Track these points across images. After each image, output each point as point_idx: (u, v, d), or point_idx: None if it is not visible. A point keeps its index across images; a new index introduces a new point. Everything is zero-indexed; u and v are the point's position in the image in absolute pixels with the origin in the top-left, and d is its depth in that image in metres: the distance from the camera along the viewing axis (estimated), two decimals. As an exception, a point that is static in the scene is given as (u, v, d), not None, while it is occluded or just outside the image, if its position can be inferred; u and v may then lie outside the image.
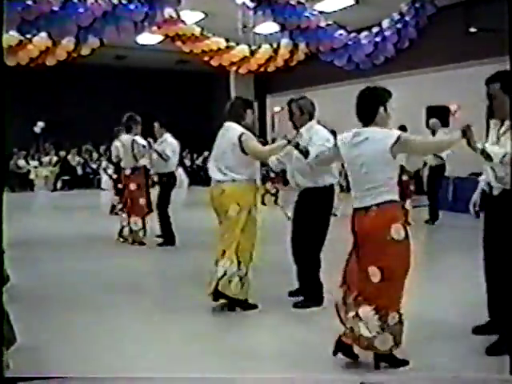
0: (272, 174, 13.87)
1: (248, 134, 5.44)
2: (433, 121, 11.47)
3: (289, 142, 5.20)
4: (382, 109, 3.94)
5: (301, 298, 5.67)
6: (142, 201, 9.28)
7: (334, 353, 4.01)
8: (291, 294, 5.85)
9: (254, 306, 5.51)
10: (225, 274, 5.28)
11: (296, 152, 5.27)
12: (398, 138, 3.83)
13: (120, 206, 10.93)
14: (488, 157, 3.98)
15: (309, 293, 5.61)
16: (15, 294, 3.28)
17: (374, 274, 3.82)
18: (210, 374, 3.91)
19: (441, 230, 10.80)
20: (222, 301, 5.51)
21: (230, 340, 4.82)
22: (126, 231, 9.46)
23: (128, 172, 9.32)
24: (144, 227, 9.41)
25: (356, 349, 3.99)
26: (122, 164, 9.54)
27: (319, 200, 5.51)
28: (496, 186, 4.26)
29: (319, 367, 4.05)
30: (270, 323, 5.21)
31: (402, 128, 12.16)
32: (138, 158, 9.24)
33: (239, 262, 5.31)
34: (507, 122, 4.15)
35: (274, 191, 14.06)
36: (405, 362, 3.97)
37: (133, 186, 9.26)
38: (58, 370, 3.86)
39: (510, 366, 3.53)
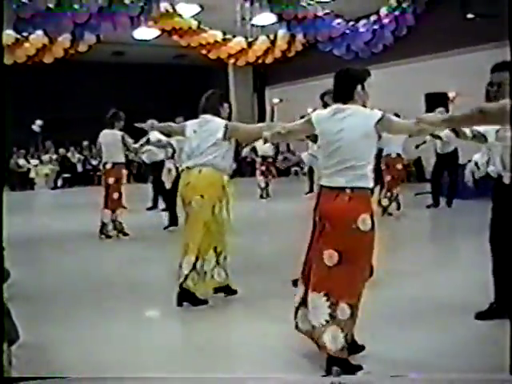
0: (263, 167, 13.81)
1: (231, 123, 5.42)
2: (439, 109, 11.48)
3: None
4: (359, 87, 3.75)
5: None
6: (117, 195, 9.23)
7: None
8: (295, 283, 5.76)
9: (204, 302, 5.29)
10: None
11: None
12: (383, 116, 3.68)
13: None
14: (482, 137, 3.92)
15: None
16: (17, 291, 3.26)
17: (330, 257, 3.57)
18: (210, 372, 3.89)
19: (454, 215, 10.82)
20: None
21: (231, 336, 4.80)
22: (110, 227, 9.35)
23: (108, 166, 9.19)
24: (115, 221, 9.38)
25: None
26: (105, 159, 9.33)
27: None
28: (507, 175, 4.19)
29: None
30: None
31: (396, 116, 12.13)
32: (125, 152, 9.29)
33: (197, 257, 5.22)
34: None
35: (263, 185, 14.09)
36: (359, 368, 3.62)
37: (111, 180, 9.15)
38: (59, 368, 3.84)
39: (510, 365, 3.41)
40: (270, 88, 23.17)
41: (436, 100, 12.76)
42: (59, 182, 21.65)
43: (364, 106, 3.81)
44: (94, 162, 21.95)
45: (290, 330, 3.91)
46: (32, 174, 21.26)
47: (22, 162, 21.46)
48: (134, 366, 4.07)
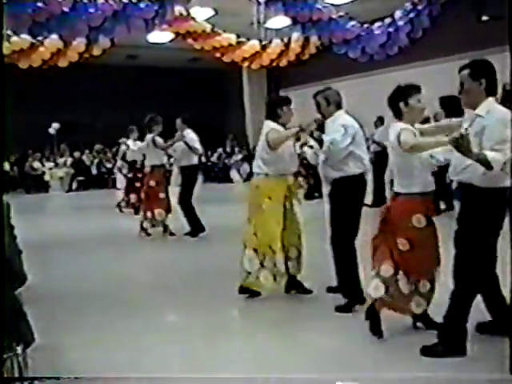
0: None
1: (276, 128, 5.54)
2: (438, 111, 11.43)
3: (302, 129, 5.28)
4: (401, 104, 4.29)
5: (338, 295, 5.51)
6: (162, 195, 9.66)
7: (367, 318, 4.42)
8: (330, 289, 5.75)
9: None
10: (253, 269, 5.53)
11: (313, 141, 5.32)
12: (398, 135, 4.19)
13: (124, 204, 12.70)
14: (487, 164, 3.68)
15: (348, 291, 5.37)
16: (32, 294, 3.27)
17: (402, 244, 4.30)
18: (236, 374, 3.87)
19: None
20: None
21: (253, 339, 4.79)
22: (145, 225, 9.75)
23: (148, 169, 9.74)
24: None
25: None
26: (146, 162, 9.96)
27: (347, 190, 5.31)
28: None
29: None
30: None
31: (380, 118, 12.02)
32: (159, 155, 9.74)
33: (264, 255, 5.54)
34: (477, 117, 3.94)
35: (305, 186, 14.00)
36: (437, 325, 4.26)
37: (152, 182, 9.61)
38: (74, 370, 3.85)
39: (510, 365, 3.49)
40: (284, 91, 23.10)
41: (451, 103, 12.63)
42: (74, 185, 21.74)
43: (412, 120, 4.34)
44: (109, 165, 22.04)
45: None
46: (47, 177, 21.35)
47: (36, 164, 21.57)
48: (147, 367, 4.09)
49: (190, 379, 3.80)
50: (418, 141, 4.23)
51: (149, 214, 9.66)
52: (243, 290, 5.69)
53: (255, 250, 5.55)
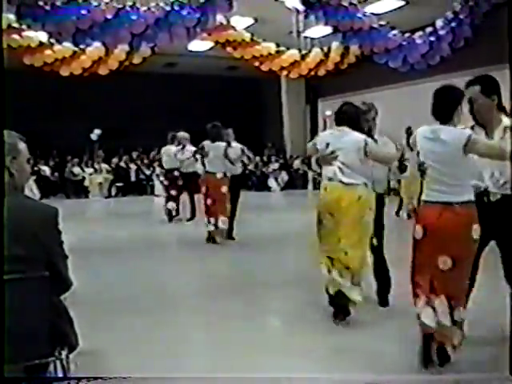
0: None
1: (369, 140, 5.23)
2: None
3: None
4: (460, 108, 3.90)
5: None
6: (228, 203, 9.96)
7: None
8: None
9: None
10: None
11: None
12: (469, 139, 3.79)
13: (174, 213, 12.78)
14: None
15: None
16: (73, 299, 3.28)
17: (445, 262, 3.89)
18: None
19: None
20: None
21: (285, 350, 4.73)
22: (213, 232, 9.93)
23: (220, 176, 9.83)
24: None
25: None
26: (213, 169, 9.91)
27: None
28: (494, 192, 4.15)
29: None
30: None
31: (409, 129, 11.89)
32: (233, 162, 9.97)
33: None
34: (499, 128, 3.98)
35: None
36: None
37: (224, 189, 9.79)
38: (116, 374, 3.84)
39: (510, 365, 3.43)
40: (322, 100, 23.08)
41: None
42: (113, 191, 21.94)
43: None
44: (147, 172, 22.21)
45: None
46: (86, 183, 21.60)
47: (76, 170, 21.84)
48: (185, 369, 4.07)
49: (190, 379, 3.79)
50: (494, 144, 3.99)
51: (212, 221, 9.80)
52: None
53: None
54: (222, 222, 9.75)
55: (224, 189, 9.76)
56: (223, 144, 9.83)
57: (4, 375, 2.66)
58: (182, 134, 12.66)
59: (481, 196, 4.13)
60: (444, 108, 3.91)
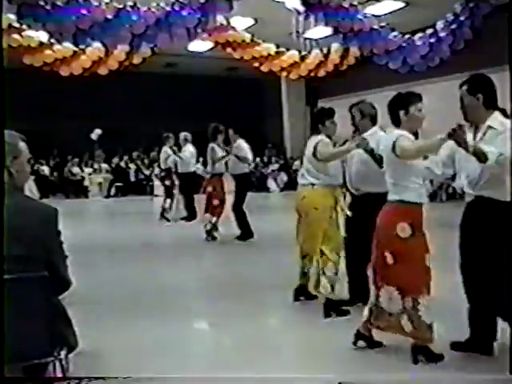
0: None
1: (324, 141, 5.56)
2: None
3: (357, 145, 5.19)
4: (402, 112, 4.15)
5: None
6: (216, 202, 10.19)
7: (354, 343, 4.37)
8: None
9: (346, 312, 5.34)
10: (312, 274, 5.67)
11: (363, 156, 5.28)
12: (394, 142, 4.09)
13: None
14: (482, 156, 3.77)
15: None
16: (72, 299, 3.28)
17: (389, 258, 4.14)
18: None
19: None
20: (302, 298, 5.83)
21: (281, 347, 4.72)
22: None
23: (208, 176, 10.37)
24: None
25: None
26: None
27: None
28: (468, 193, 4.18)
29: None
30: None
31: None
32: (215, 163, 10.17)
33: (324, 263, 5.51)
34: (483, 127, 4.03)
35: None
36: (440, 357, 4.08)
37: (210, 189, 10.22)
38: (115, 375, 3.83)
39: (510, 365, 3.46)
40: (322, 101, 23.04)
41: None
42: (112, 191, 21.92)
43: (411, 129, 4.18)
44: (147, 172, 22.20)
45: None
46: (86, 183, 21.58)
47: (75, 170, 21.82)
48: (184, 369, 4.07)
49: (190, 379, 3.78)
50: (419, 144, 4.12)
51: (210, 219, 10.17)
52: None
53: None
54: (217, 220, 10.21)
55: (209, 188, 10.21)
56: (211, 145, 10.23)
57: (4, 375, 2.67)
58: (183, 135, 12.77)
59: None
60: (390, 113, 4.26)
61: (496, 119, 4.00)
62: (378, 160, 4.95)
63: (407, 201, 4.10)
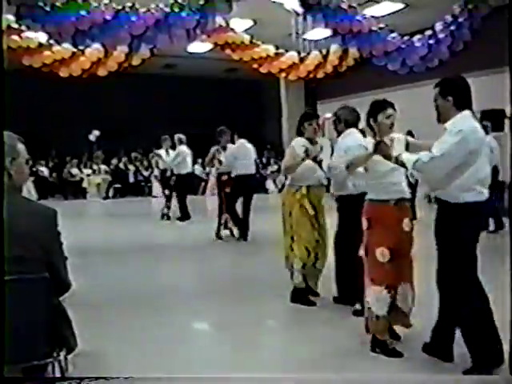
0: None
1: (292, 146, 5.99)
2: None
3: (307, 155, 5.72)
4: (371, 120, 4.49)
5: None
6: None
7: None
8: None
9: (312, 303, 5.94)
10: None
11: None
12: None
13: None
14: (402, 164, 4.14)
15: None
16: (72, 300, 3.28)
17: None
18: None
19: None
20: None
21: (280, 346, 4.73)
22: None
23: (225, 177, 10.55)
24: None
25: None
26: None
27: (352, 208, 5.35)
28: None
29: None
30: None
31: (409, 133, 11.97)
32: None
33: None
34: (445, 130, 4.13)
35: None
36: (399, 354, 4.36)
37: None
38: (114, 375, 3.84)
39: (510, 365, 3.47)
40: (321, 103, 23.02)
41: (493, 117, 12.46)
42: (111, 192, 21.91)
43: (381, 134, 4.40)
44: (146, 173, 22.20)
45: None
46: (85, 184, 21.57)
47: (74, 171, 21.81)
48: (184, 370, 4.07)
49: (190, 379, 3.78)
50: (349, 159, 4.64)
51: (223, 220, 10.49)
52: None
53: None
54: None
55: (227, 189, 10.42)
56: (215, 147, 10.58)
57: (4, 375, 2.67)
58: (177, 137, 12.93)
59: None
60: (366, 121, 4.59)
61: (453, 120, 4.06)
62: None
63: (369, 198, 4.55)
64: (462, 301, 4.03)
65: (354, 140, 5.37)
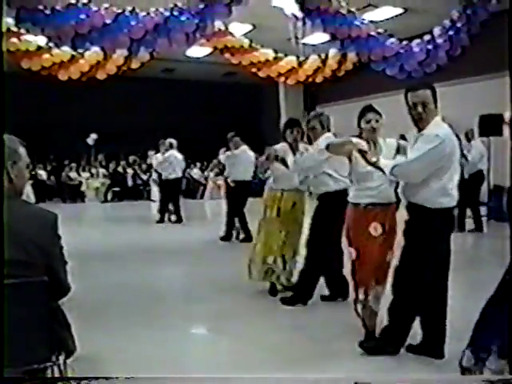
0: None
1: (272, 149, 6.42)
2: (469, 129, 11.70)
3: (267, 158, 6.38)
4: (358, 124, 4.67)
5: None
6: None
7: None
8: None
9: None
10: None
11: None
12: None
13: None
14: (381, 170, 4.36)
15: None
16: (71, 304, 3.28)
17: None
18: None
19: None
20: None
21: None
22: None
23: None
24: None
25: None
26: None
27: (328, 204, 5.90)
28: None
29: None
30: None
31: (402, 137, 12.03)
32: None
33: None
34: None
35: None
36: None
37: None
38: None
39: (510, 366, 3.50)
40: (320, 107, 23.02)
41: (491, 122, 12.49)
42: (109, 196, 21.90)
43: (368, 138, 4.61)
44: (144, 177, 22.18)
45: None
46: (83, 187, 21.56)
47: (73, 174, 21.79)
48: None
49: (190, 379, 3.79)
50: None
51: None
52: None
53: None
54: None
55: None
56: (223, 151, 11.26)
57: (4, 375, 2.67)
58: (168, 142, 13.13)
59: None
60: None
61: (430, 126, 4.21)
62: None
63: (351, 202, 4.74)
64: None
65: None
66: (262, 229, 6.51)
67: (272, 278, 6.41)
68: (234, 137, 10.83)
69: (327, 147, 4.78)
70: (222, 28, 12.25)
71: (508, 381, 3.48)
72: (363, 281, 4.61)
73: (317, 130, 5.96)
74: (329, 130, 6.01)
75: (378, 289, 4.60)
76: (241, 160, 10.56)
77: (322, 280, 6.18)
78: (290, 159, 6.22)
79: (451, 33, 11.95)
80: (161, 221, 13.55)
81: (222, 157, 11.07)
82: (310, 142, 6.09)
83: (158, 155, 13.52)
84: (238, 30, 13.85)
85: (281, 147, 6.36)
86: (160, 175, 13.68)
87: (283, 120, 23.56)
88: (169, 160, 12.94)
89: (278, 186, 6.47)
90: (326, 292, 6.24)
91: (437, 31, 12.16)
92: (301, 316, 5.73)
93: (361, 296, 4.64)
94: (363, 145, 4.45)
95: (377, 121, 4.61)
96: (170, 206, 13.65)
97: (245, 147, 10.79)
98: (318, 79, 14.06)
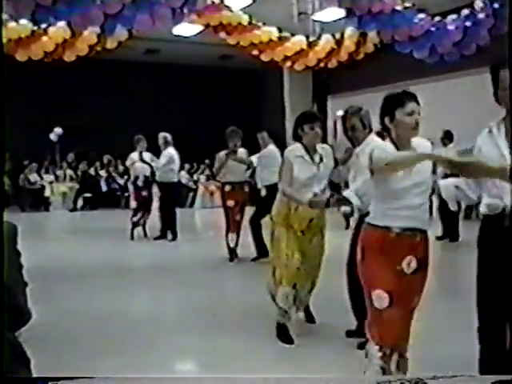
0: None
1: (286, 156, 5.99)
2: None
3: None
4: (387, 119, 4.02)
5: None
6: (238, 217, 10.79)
7: None
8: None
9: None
10: None
11: None
12: (370, 154, 3.98)
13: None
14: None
15: None
16: (30, 334, 3.25)
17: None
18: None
19: None
20: None
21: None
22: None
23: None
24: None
25: None
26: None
27: None
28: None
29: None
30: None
31: (448, 134, 12.03)
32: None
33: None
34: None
35: None
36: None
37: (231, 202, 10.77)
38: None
39: (510, 365, 3.69)
40: (332, 97, 23.06)
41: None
42: (79, 203, 21.84)
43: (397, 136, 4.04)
44: (121, 181, 22.11)
45: None
46: (47, 193, 21.47)
47: (33, 177, 21.65)
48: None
49: (190, 379, 3.81)
50: (394, 156, 3.92)
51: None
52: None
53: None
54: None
55: (230, 202, 10.70)
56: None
57: (4, 375, 2.65)
58: (162, 136, 12.86)
59: None
60: (380, 120, 4.29)
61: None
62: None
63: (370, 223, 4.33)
64: None
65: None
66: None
67: None
68: (261, 132, 10.81)
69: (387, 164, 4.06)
70: (216, 1, 12.24)
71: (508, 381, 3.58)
72: (389, 338, 4.02)
73: (357, 130, 5.66)
74: (370, 130, 5.66)
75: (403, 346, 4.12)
76: (272, 161, 10.25)
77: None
78: (306, 165, 5.84)
79: (496, 5, 11.79)
80: (163, 236, 13.22)
81: (254, 159, 10.75)
82: (353, 145, 5.76)
83: (134, 154, 13.30)
84: (236, 3, 13.81)
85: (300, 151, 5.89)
86: (152, 179, 13.42)
87: (288, 112, 23.62)
88: (170, 160, 12.74)
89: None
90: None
91: (478, 3, 12.01)
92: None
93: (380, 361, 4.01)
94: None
95: (419, 113, 3.97)
96: (146, 219, 13.50)
97: (272, 144, 10.62)
98: (332, 64, 14.07)
